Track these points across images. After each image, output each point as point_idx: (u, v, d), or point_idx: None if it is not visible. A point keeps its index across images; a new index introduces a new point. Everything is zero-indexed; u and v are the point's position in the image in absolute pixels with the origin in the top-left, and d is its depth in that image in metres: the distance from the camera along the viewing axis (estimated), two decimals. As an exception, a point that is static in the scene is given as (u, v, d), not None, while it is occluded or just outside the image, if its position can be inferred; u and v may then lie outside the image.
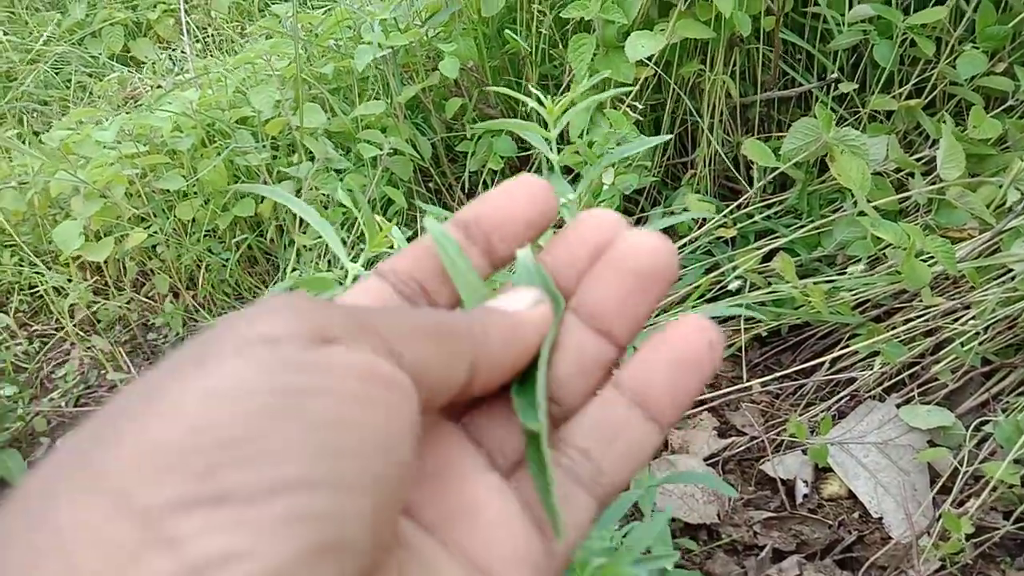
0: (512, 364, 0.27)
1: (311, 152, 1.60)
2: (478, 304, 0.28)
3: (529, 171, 1.66)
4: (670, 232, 1.52)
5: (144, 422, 0.19)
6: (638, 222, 1.56)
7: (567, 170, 1.60)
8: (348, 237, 1.60)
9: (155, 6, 2.75)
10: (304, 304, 0.22)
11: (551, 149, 0.73)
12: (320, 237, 1.52)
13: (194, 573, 0.17)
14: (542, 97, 0.74)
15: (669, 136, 0.75)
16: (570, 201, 0.74)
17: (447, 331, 0.25)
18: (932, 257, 1.15)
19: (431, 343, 0.24)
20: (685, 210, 1.46)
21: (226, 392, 0.19)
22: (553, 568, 0.26)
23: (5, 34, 2.70)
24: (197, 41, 2.52)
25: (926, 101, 1.37)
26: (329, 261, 1.61)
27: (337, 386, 0.20)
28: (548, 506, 0.26)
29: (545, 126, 0.74)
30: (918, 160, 1.31)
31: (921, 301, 1.19)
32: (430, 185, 1.81)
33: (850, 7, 1.36)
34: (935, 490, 1.03)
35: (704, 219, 1.45)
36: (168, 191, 1.70)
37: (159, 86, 2.28)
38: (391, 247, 0.57)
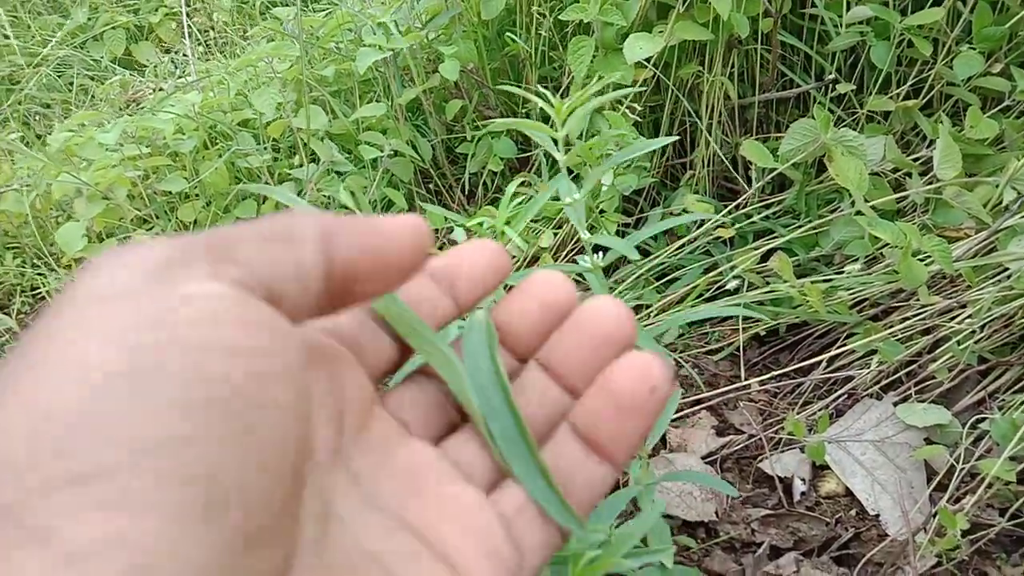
0: (372, 270, 0.26)
1: (312, 154, 1.61)
2: (424, 343, 0.29)
3: (529, 172, 1.67)
4: (669, 233, 1.53)
5: None
6: (637, 223, 1.57)
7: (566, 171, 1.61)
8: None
9: (157, 9, 2.77)
10: (139, 250, 0.22)
11: (558, 149, 0.74)
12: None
13: (70, 566, 0.16)
14: (549, 96, 0.74)
15: (674, 138, 0.76)
16: (575, 201, 0.75)
17: (285, 224, 0.24)
18: (929, 256, 1.16)
19: (275, 241, 0.24)
20: (684, 211, 1.47)
21: (73, 370, 0.18)
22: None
23: (6, 37, 2.72)
24: (199, 44, 2.53)
25: (923, 102, 1.38)
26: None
27: (191, 337, 0.20)
28: (556, 505, 0.28)
29: (551, 126, 0.75)
30: (915, 160, 1.32)
31: (918, 300, 1.20)
32: (430, 186, 1.82)
33: (848, 8, 1.36)
34: (931, 487, 1.03)
35: (703, 219, 1.46)
36: (170, 193, 1.71)
37: (161, 89, 2.30)
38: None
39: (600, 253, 0.79)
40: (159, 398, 0.18)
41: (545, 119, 0.74)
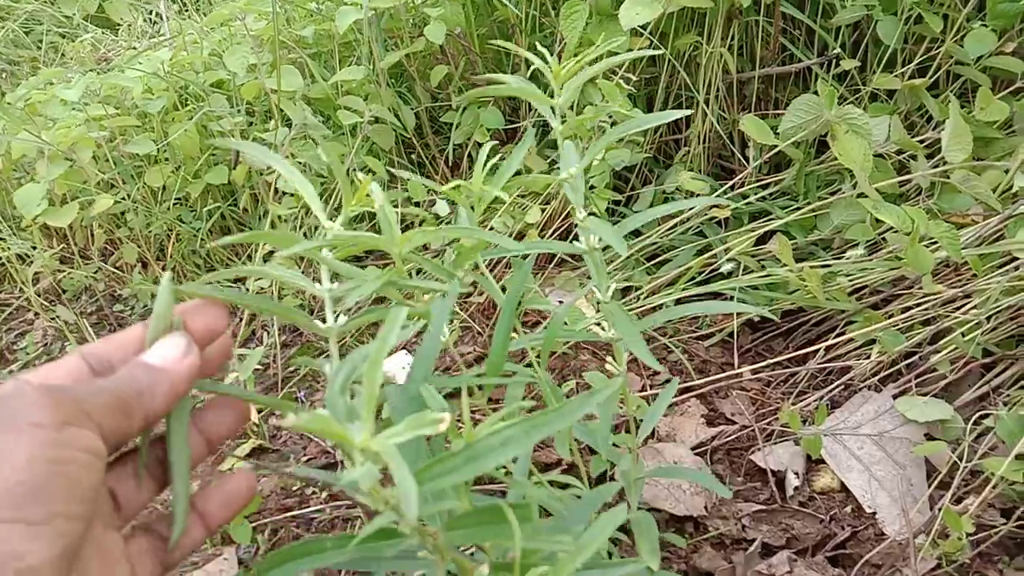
0: (167, 412, 0.40)
1: (287, 118, 1.52)
2: (154, 338, 0.40)
3: (517, 144, 1.59)
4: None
5: None
6: (628, 200, 1.50)
7: (551, 144, 1.54)
8: (325, 208, 1.53)
9: (131, -35, 2.65)
10: (48, 397, 0.33)
11: (555, 117, 0.66)
12: (295, 207, 1.46)
13: None
14: (548, 56, 0.66)
15: (681, 112, 0.68)
16: (572, 176, 0.68)
17: (126, 402, 0.37)
18: (934, 243, 1.10)
19: (119, 413, 0.37)
20: (678, 189, 1.41)
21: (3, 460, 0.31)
22: None
23: (-27, -10, 2.59)
24: (174, 2, 2.42)
25: (930, 81, 1.32)
26: (305, 234, 1.54)
27: (73, 457, 0.33)
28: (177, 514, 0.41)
29: (547, 92, 0.67)
30: (920, 142, 1.26)
31: (920, 288, 1.15)
32: (413, 157, 1.74)
33: (855, -20, 1.30)
34: (932, 485, 0.98)
35: (694, 196, 1.39)
36: (137, 156, 1.62)
37: (134, 48, 2.19)
38: (372, 207, 0.51)
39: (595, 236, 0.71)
40: (56, 489, 0.33)
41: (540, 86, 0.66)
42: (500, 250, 0.70)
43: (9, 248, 1.66)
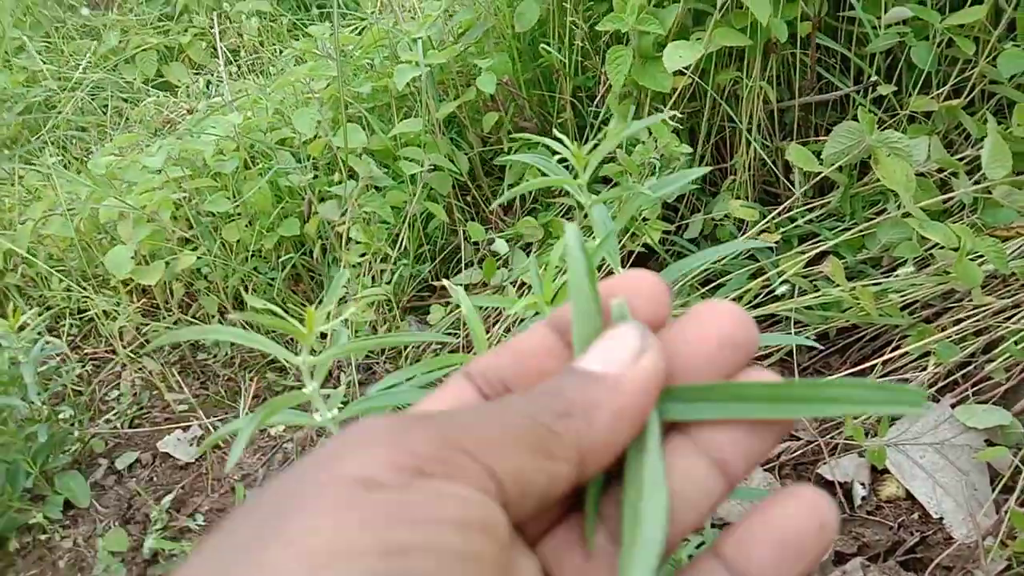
0: (621, 445, 0.25)
1: (351, 170, 1.63)
2: (584, 339, 0.27)
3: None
4: (711, 238, 1.54)
5: None
6: (678, 229, 1.57)
7: (605, 180, 1.61)
8: (394, 248, 1.62)
9: (186, 30, 2.81)
10: (390, 433, 0.22)
11: (582, 192, 0.74)
12: (365, 255, 1.55)
13: None
14: (567, 142, 0.75)
15: (704, 169, 0.76)
16: (607, 237, 0.75)
17: (542, 434, 0.23)
18: (981, 256, 1.15)
19: (526, 452, 0.23)
20: (726, 216, 1.48)
21: (330, 554, 0.19)
22: None
23: (44, 63, 2.76)
24: (229, 63, 2.56)
25: (966, 101, 1.38)
26: (372, 278, 1.64)
27: (436, 541, 0.20)
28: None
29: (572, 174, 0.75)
30: (960, 160, 1.32)
31: (971, 301, 1.20)
32: (468, 199, 1.83)
33: (886, 10, 1.36)
34: (996, 489, 1.03)
35: (745, 224, 1.46)
36: (213, 213, 1.74)
37: (195, 110, 2.33)
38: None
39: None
40: None
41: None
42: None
43: (97, 305, 1.78)
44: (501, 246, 1.63)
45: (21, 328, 1.40)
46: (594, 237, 0.77)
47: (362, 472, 0.21)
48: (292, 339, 0.63)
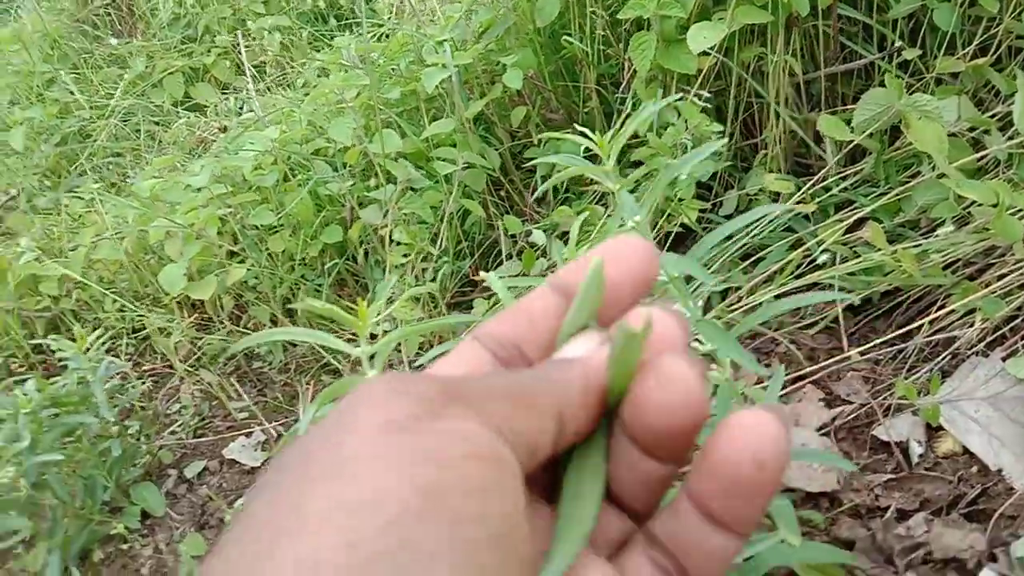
0: (589, 412, 0.27)
1: (387, 174, 1.67)
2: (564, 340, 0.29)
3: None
4: (747, 213, 1.55)
5: (298, 538, 0.20)
6: (713, 207, 1.59)
7: (636, 163, 1.64)
8: (435, 244, 1.66)
9: (209, 51, 2.87)
10: (396, 385, 0.23)
11: (609, 178, 0.77)
12: (408, 256, 1.59)
13: None
14: (589, 134, 0.77)
15: (725, 140, 0.79)
16: (637, 223, 0.78)
17: (533, 390, 0.26)
18: (1020, 211, 1.16)
19: (521, 406, 0.25)
20: (761, 190, 1.50)
21: (369, 502, 0.20)
22: None
23: (72, 94, 2.84)
24: (256, 80, 2.62)
25: (992, 59, 1.39)
26: (416, 277, 1.68)
27: (464, 478, 0.21)
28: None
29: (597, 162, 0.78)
30: (991, 117, 1.33)
31: (1013, 255, 1.21)
32: (501, 194, 1.87)
33: (906, -26, 1.38)
34: (1053, 438, 1.05)
35: (780, 197, 1.48)
36: (257, 226, 1.79)
37: (225, 128, 2.39)
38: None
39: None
40: (447, 537, 0.20)
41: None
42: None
43: (152, 323, 1.84)
44: (539, 237, 1.66)
45: (87, 350, 1.46)
46: (623, 222, 0.80)
47: (383, 418, 0.22)
48: (347, 339, 0.68)
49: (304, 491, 0.21)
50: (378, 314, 0.68)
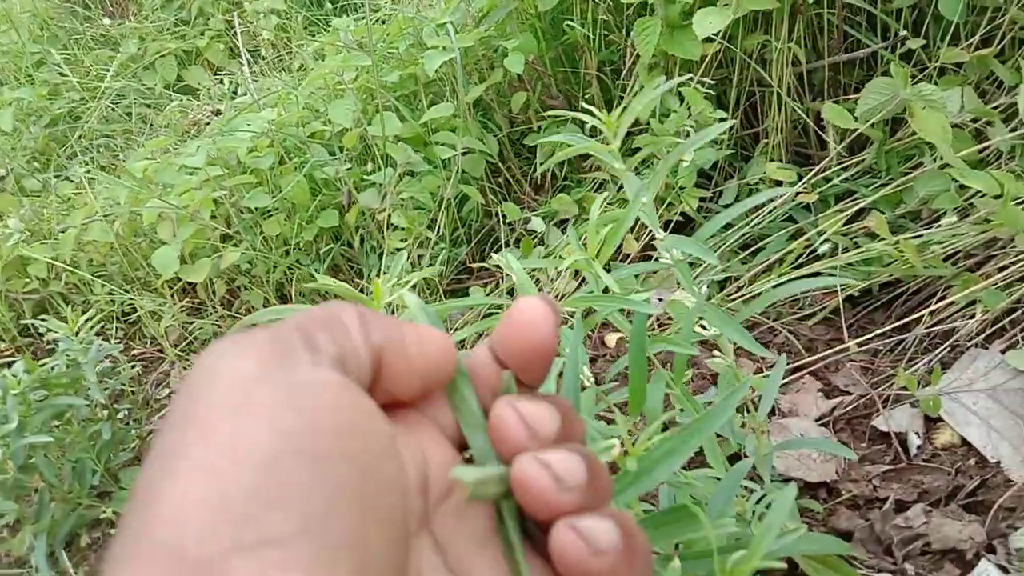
0: (411, 380, 0.28)
1: (386, 159, 1.65)
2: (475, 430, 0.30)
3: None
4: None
5: (180, 484, 0.22)
6: (714, 196, 1.58)
7: (636, 150, 1.63)
8: (434, 230, 1.65)
9: (202, 33, 2.84)
10: (261, 335, 0.25)
11: (615, 159, 0.75)
12: (406, 241, 1.58)
13: None
14: (597, 112, 0.75)
15: (727, 124, 0.78)
16: (645, 205, 0.76)
17: (335, 322, 0.27)
18: (1022, 202, 1.16)
19: (335, 334, 0.27)
20: (761, 179, 1.49)
21: (239, 448, 0.22)
22: None
23: (62, 75, 2.80)
24: (250, 63, 2.59)
25: (997, 49, 1.38)
26: (412, 263, 1.66)
27: (321, 421, 0.23)
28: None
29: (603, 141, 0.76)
30: (995, 108, 1.32)
31: (1014, 247, 1.20)
32: (499, 181, 1.85)
33: (911, -36, 1.36)
34: (1054, 430, 1.04)
35: (780, 185, 1.47)
36: (251, 209, 1.77)
37: (219, 111, 2.36)
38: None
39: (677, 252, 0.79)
40: (316, 478, 0.22)
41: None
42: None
43: (143, 307, 1.82)
44: (538, 224, 1.65)
45: (77, 332, 1.44)
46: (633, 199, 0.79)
47: (240, 372, 0.24)
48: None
49: (182, 444, 0.23)
50: (391, 293, 0.66)
